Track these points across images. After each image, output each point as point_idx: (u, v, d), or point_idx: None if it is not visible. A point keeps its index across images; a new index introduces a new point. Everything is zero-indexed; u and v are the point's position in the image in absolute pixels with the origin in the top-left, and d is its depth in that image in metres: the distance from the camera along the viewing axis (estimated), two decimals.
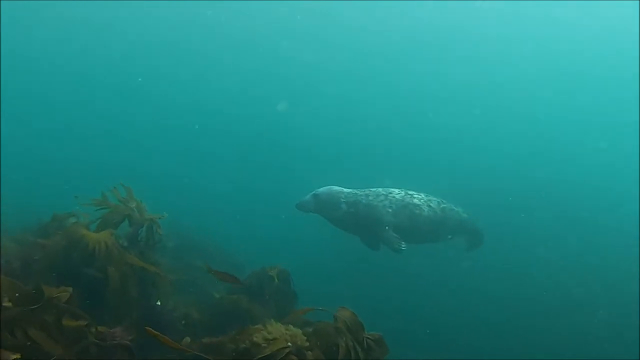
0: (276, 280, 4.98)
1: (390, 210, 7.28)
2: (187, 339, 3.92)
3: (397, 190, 7.65)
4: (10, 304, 3.05)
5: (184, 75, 27.57)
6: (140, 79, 25.88)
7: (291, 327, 3.49)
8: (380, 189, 7.65)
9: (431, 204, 7.69)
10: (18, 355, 2.74)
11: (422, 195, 7.82)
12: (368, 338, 3.65)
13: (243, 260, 8.56)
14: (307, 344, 3.41)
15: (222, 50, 27.85)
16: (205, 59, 27.85)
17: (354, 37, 26.99)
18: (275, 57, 27.88)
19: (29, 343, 2.94)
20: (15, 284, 3.12)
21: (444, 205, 7.90)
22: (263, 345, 3.31)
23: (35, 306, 3.03)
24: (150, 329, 3.08)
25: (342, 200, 7.26)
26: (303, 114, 24.96)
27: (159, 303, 4.48)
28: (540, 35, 25.64)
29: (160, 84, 27.08)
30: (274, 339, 3.34)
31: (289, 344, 3.31)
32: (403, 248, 7.08)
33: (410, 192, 7.74)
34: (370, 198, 7.35)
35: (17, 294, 3.07)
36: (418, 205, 7.51)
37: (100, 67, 26.37)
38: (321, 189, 7.45)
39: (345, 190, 7.52)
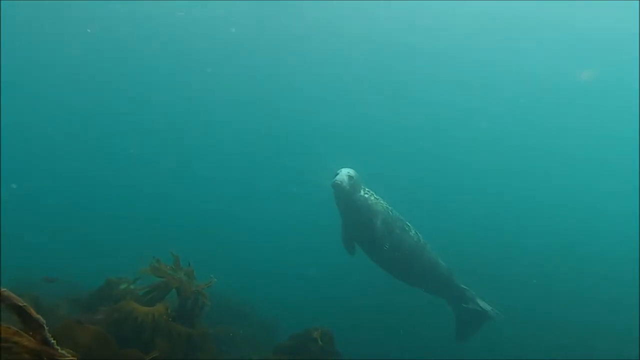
0: (320, 342, 5.05)
1: (388, 212, 8.01)
2: None
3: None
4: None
5: (186, 80, 26.21)
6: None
7: None
8: None
9: (418, 234, 8.30)
10: None
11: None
12: None
13: (277, 321, 8.61)
14: None
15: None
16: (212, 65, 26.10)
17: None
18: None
19: None
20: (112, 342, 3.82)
21: (427, 242, 8.41)
22: None
23: None
24: None
25: (362, 186, 8.02)
26: None
27: None
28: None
29: (161, 90, 25.88)
30: None
31: None
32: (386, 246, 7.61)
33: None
34: (379, 198, 8.10)
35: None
36: (409, 225, 8.22)
37: (103, 68, 25.17)
38: (349, 171, 7.92)
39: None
